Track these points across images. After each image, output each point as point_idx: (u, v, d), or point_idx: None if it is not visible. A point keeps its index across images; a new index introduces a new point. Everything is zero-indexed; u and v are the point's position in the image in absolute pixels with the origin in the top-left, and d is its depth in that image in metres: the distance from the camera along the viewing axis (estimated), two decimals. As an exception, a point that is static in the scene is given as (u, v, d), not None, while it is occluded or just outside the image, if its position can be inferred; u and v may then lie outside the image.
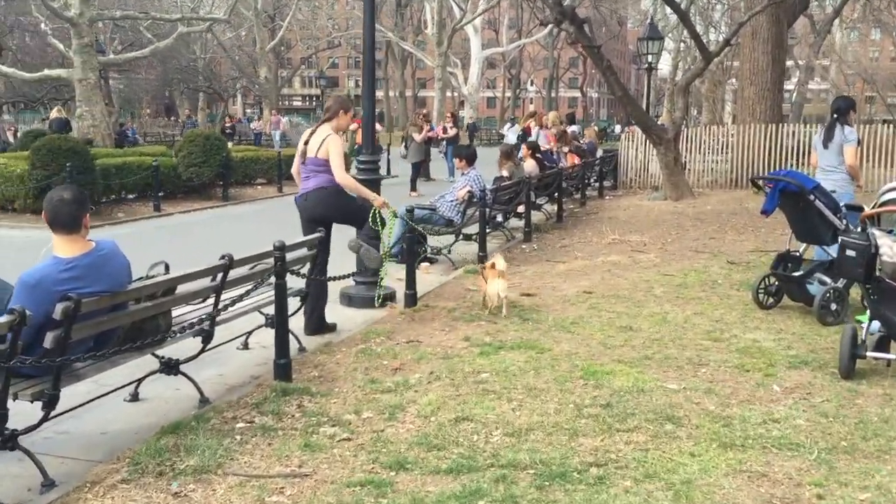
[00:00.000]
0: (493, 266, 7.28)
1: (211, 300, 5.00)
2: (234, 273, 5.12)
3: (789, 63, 37.55)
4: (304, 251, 6.11)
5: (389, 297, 7.68)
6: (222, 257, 4.91)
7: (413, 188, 19.56)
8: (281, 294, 5.26)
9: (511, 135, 23.32)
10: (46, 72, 25.60)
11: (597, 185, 18.74)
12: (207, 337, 4.98)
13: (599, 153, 21.15)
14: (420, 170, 20.14)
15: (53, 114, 25.04)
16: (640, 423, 4.49)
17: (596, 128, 33.27)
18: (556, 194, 14.11)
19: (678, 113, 17.59)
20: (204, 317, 4.90)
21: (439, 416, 4.63)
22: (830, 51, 49.38)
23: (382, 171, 25.26)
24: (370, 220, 6.99)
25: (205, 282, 4.97)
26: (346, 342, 6.39)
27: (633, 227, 12.77)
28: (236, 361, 6.03)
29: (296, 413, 4.74)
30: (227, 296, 5.09)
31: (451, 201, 9.85)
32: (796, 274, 7.03)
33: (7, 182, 13.36)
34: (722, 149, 19.44)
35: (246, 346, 6.29)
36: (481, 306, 7.40)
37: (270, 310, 6.01)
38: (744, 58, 18.88)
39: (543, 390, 5.06)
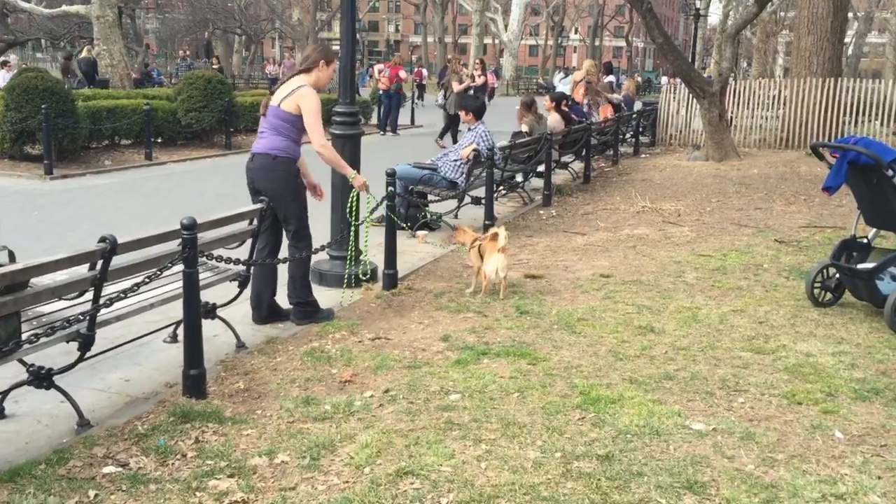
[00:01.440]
0: (494, 238, 6.02)
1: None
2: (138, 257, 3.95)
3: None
4: (242, 225, 4.91)
5: (370, 275, 6.45)
6: (102, 240, 3.71)
7: (441, 136, 18.20)
8: (191, 287, 4.05)
9: (563, 86, 21.56)
10: (65, 7, 24.55)
11: (633, 141, 17.21)
12: (86, 342, 3.81)
13: (638, 106, 19.53)
14: (459, 123, 18.70)
15: (83, 53, 24.09)
16: (649, 494, 3.23)
17: (639, 79, 31.41)
18: (584, 152, 12.70)
19: (725, 63, 15.90)
20: (74, 317, 3.71)
21: (376, 468, 3.41)
22: (890, 3, 46.38)
23: (405, 119, 24.17)
24: (347, 208, 5.73)
25: (81, 271, 3.78)
26: (297, 337, 5.19)
27: (668, 192, 11.34)
28: (157, 360, 4.88)
29: (189, 452, 3.56)
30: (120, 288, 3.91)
31: (455, 161, 8.54)
32: (864, 267, 5.64)
33: (-17, 125, 12.29)
34: (772, 104, 17.75)
35: (174, 338, 5.13)
36: (472, 292, 6.15)
37: (207, 295, 4.88)
38: (802, 4, 17.04)
39: (525, 427, 3.82)
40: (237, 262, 4.80)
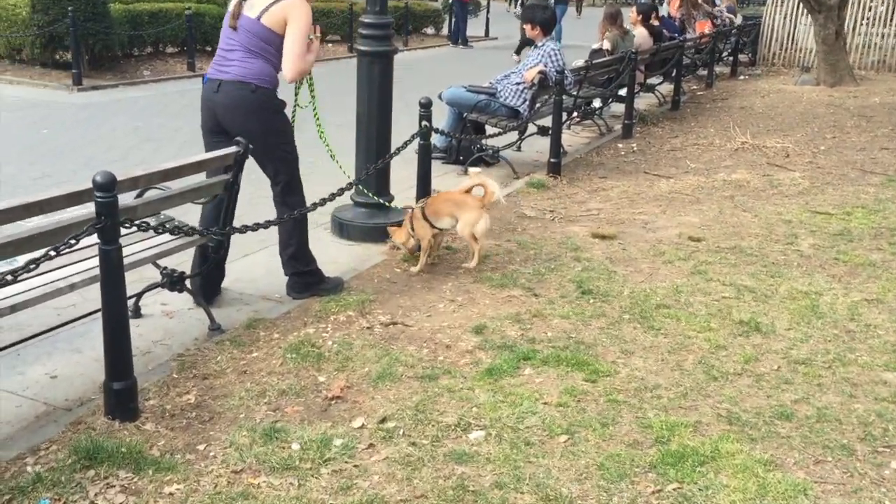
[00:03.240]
0: (468, 190, 4.69)
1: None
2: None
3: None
4: (199, 180, 3.72)
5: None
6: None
7: (517, 52, 16.59)
8: (110, 271, 2.89)
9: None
10: None
11: (730, 60, 15.26)
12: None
13: (738, 20, 17.38)
14: None
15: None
16: None
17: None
18: (675, 73, 11.02)
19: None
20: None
21: (335, 578, 2.25)
22: None
23: (479, 31, 22.37)
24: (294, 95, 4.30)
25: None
26: (290, 318, 4.03)
27: (772, 125, 9.66)
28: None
29: (73, 526, 2.47)
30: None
31: (517, 84, 7.11)
32: None
33: (12, 27, 11.30)
34: (892, 18, 15.43)
35: (137, 312, 4.03)
36: (419, 270, 4.87)
37: (171, 262, 3.79)
38: None
39: (573, 502, 2.59)
40: (207, 230, 3.63)
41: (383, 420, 3.07)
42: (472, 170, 6.99)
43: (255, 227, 3.66)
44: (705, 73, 13.39)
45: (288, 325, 3.93)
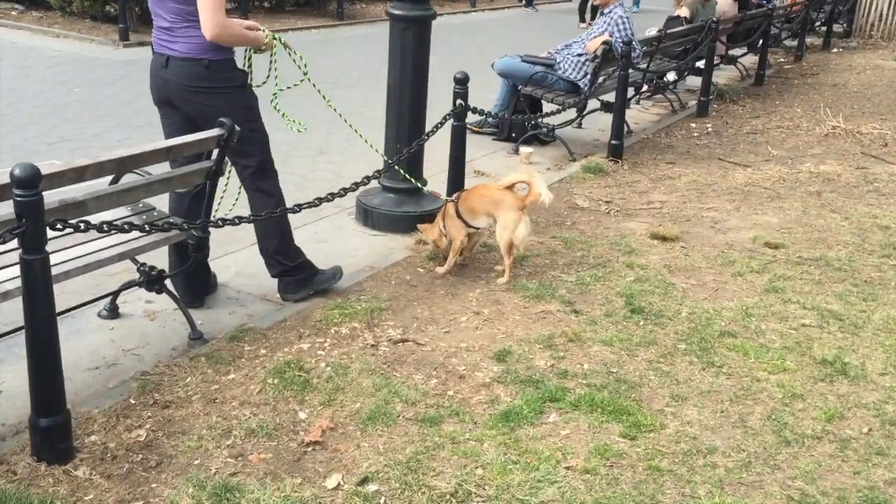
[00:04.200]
0: (510, 187, 4.00)
1: None
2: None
3: None
4: (163, 172, 3.16)
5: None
6: None
7: (582, 19, 15.67)
8: (33, 283, 2.36)
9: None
10: None
11: (823, 30, 14.03)
12: None
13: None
14: None
15: None
16: None
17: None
18: (761, 44, 10.01)
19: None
20: None
21: None
22: None
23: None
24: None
25: None
26: (283, 329, 3.47)
27: (868, 107, 8.65)
28: (74, 347, 3.28)
29: None
30: None
31: (579, 55, 6.35)
32: None
33: (62, -22, 10.97)
34: None
35: (114, 312, 3.54)
36: (445, 272, 4.21)
37: (151, 258, 3.30)
38: None
39: None
40: (184, 224, 3.08)
41: (364, 480, 2.49)
42: (523, 149, 6.32)
43: (237, 221, 3.08)
44: (794, 44, 12.28)
45: (279, 338, 3.37)
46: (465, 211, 4.00)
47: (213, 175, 3.13)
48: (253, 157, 3.45)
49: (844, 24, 15.09)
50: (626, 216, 5.09)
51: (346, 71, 9.55)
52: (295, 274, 3.68)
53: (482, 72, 6.98)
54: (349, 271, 4.09)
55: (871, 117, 8.04)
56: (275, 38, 3.40)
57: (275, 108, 3.52)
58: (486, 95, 7.39)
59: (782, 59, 11.94)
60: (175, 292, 3.41)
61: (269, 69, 3.50)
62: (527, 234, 3.96)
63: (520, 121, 6.36)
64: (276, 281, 3.79)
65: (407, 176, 4.47)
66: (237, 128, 3.05)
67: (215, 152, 3.08)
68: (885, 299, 3.94)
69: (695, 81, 8.97)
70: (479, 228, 4.09)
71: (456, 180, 4.48)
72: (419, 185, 4.50)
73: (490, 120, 6.54)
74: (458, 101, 4.27)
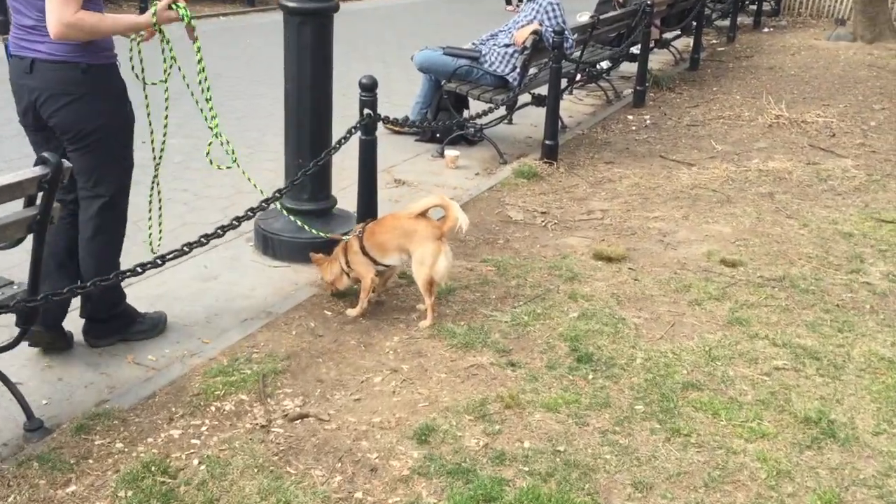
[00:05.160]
0: (421, 214, 3.38)
1: None
2: None
3: None
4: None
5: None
6: None
7: (508, 1, 15.09)
8: None
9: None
10: None
11: (753, 9, 13.69)
12: None
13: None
14: None
15: None
16: None
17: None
18: (695, 27, 9.55)
19: None
20: None
21: None
22: None
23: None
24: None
25: None
26: (146, 411, 2.76)
27: (809, 91, 8.25)
28: None
29: None
30: None
31: (507, 46, 5.73)
32: None
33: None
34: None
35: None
36: (357, 314, 3.60)
37: None
38: None
39: None
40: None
41: None
42: (448, 152, 5.68)
43: (76, 291, 2.37)
44: (726, 24, 11.89)
45: (143, 423, 2.68)
46: (373, 247, 3.36)
47: (37, 226, 2.41)
48: (108, 185, 2.81)
49: (772, 2, 14.83)
50: (565, 230, 4.51)
51: (254, 64, 8.75)
52: (111, 321, 3.06)
53: (404, 64, 6.33)
54: (242, 316, 3.43)
55: (814, 103, 7.64)
56: (177, 7, 2.81)
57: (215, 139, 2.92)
58: (410, 89, 6.74)
59: (715, 41, 11.54)
60: (2, 372, 2.68)
61: (165, 60, 2.96)
62: (448, 267, 3.34)
63: (443, 126, 5.67)
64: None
65: (300, 223, 3.80)
66: (66, 164, 2.35)
67: (39, 196, 2.37)
68: (861, 329, 3.44)
69: (628, 68, 8.47)
70: (389, 266, 3.45)
71: (368, 203, 3.80)
72: (321, 234, 3.79)
73: (411, 118, 5.89)
74: (366, 111, 3.59)
